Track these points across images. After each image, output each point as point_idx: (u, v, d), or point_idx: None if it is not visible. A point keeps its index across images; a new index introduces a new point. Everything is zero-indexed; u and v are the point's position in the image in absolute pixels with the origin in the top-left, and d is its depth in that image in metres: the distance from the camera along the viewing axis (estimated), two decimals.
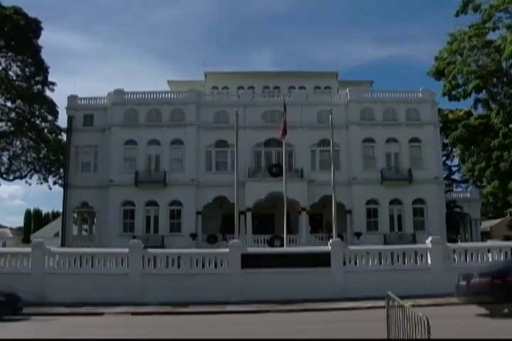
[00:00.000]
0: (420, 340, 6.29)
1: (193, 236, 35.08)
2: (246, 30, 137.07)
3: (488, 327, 11.01)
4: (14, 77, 40.98)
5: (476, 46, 37.23)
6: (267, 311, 14.50)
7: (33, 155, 44.45)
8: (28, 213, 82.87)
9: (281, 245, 28.74)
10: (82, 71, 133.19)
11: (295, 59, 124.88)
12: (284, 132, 26.01)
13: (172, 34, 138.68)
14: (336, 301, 15.26)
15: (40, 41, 40.54)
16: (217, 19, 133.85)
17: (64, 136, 41.60)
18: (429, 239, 17.32)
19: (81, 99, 38.68)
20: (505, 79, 38.51)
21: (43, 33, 40.39)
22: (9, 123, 42.06)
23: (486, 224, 58.77)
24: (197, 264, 16.69)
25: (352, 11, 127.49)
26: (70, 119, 37.88)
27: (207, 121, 37.48)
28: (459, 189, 55.75)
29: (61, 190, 38.30)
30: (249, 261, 16.60)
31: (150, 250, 17.36)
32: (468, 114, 46.29)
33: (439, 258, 16.82)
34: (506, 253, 17.00)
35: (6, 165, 43.57)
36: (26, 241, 65.47)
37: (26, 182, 44.98)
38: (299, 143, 36.45)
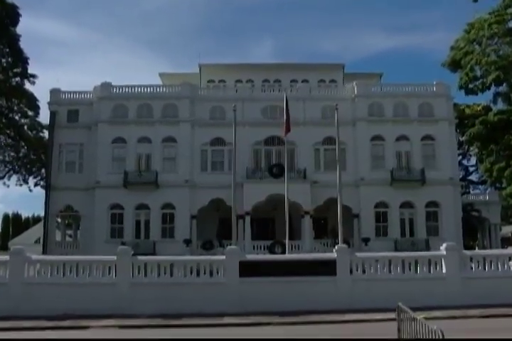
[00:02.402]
0: (432, 340, 6.30)
1: (187, 242, 35.12)
2: (244, 19, 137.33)
3: None
4: None
5: (496, 34, 37.25)
6: (268, 323, 14.50)
7: (12, 154, 44.47)
8: (6, 217, 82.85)
9: (283, 252, 28.76)
10: (66, 63, 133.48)
11: (297, 50, 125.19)
12: (288, 129, 26.03)
13: (165, 23, 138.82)
14: (343, 313, 15.26)
15: (19, 29, 40.46)
16: (214, 7, 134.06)
17: (46, 134, 41.63)
18: (444, 245, 17.30)
19: (65, 92, 38.75)
20: None
21: (21, 19, 40.27)
22: None
23: (507, 230, 58.83)
24: (191, 273, 16.67)
25: None
26: (52, 115, 37.88)
27: (202, 117, 37.53)
28: (477, 191, 55.88)
29: (43, 192, 38.37)
30: (248, 269, 16.59)
31: (140, 257, 17.33)
32: (487, 109, 46.32)
33: (455, 267, 16.80)
34: None
35: None
36: (4, 248, 65.40)
37: (4, 183, 45.06)
38: (301, 141, 36.52)
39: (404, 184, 36.32)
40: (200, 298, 16.14)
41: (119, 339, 9.79)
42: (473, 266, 17.15)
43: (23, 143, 43.84)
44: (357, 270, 16.90)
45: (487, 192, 49.93)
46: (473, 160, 55.60)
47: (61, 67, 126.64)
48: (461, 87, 40.10)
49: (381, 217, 36.67)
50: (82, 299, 15.97)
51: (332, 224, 34.91)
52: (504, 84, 39.77)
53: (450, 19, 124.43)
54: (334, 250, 17.32)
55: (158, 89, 38.67)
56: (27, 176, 45.16)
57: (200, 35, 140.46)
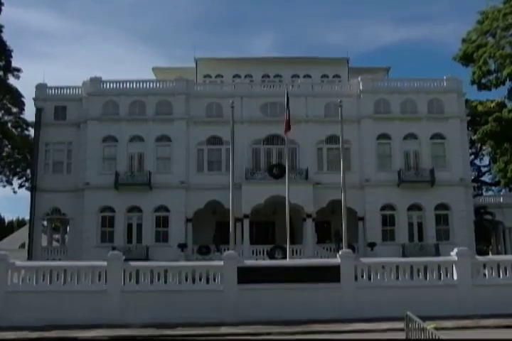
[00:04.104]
0: (434, 340, 6.30)
1: (182, 246, 35.13)
2: (244, 9, 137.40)
3: None
4: None
5: (511, 25, 37.25)
6: (268, 333, 14.51)
7: None
8: None
9: (284, 257, 28.77)
10: (53, 56, 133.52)
11: (299, 43, 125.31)
12: (288, 127, 26.08)
13: (159, 14, 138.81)
14: (347, 322, 15.28)
15: (1, 19, 40.56)
16: None
17: (31, 132, 41.71)
18: (455, 250, 17.30)
19: (52, 88, 38.77)
20: None
21: (3, 9, 40.26)
22: None
23: None
24: (186, 279, 16.68)
25: None
26: (38, 112, 37.90)
27: (198, 114, 37.56)
28: (490, 193, 55.90)
29: (28, 193, 38.33)
30: (247, 276, 16.60)
31: (132, 263, 17.34)
32: (501, 105, 46.29)
33: (467, 274, 16.81)
34: None
35: None
36: None
37: None
38: (303, 140, 36.56)
39: (412, 185, 36.33)
40: (195, 306, 16.14)
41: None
42: (486, 272, 17.15)
43: (6, 142, 43.87)
44: (362, 276, 16.90)
45: (501, 193, 49.97)
46: (486, 160, 55.61)
47: (48, 60, 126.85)
48: (473, 82, 40.09)
49: (388, 221, 36.68)
50: (69, 308, 15.95)
51: (336, 228, 34.91)
52: None
53: (461, 10, 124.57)
54: (338, 255, 17.32)
55: (151, 85, 38.67)
56: (11, 177, 45.20)
57: (197, 26, 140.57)
